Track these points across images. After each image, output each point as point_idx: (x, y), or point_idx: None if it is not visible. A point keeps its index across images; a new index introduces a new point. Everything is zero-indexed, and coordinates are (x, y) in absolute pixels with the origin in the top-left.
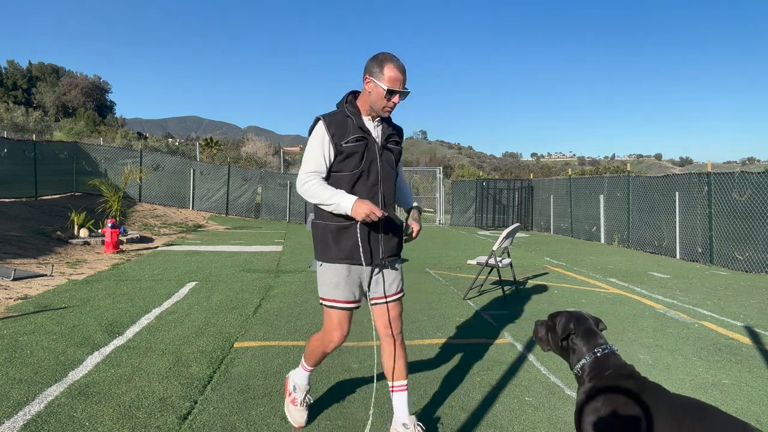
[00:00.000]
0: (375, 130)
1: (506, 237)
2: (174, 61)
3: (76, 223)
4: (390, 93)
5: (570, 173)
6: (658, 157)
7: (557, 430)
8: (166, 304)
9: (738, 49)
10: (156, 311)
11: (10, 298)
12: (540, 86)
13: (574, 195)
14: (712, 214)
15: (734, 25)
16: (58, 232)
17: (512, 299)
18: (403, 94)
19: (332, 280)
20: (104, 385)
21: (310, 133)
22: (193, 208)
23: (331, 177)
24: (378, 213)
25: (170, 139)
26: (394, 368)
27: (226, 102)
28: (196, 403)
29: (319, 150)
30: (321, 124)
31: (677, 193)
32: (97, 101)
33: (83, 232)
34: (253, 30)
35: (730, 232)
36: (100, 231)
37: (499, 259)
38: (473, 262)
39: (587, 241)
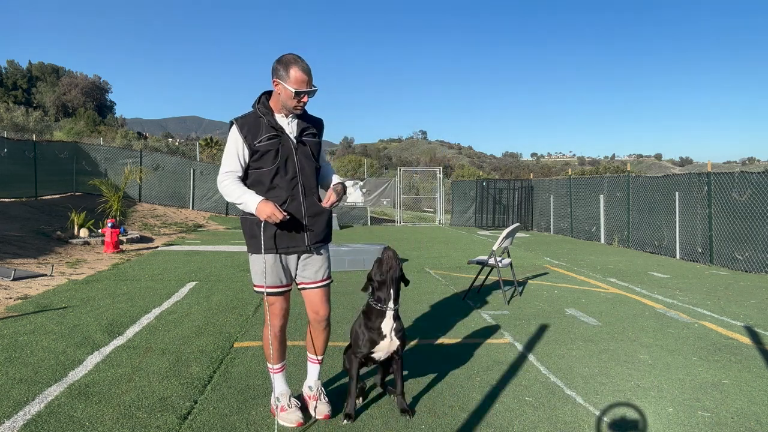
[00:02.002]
0: (289, 126)
1: (506, 237)
2: (174, 61)
3: (76, 223)
4: (298, 94)
5: (570, 173)
6: (658, 157)
7: (557, 430)
8: (166, 304)
9: (738, 49)
10: (156, 311)
11: (10, 298)
12: (540, 86)
13: (574, 195)
14: (712, 214)
15: (734, 25)
16: (58, 232)
17: (512, 299)
18: (311, 93)
19: (260, 268)
20: (104, 385)
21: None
22: (193, 208)
23: (252, 174)
24: (279, 216)
25: (170, 139)
26: (313, 345)
27: (226, 102)
28: (196, 403)
29: (233, 151)
30: (234, 128)
31: (677, 193)
32: (97, 101)
33: (83, 232)
34: (253, 29)
35: (730, 232)
36: (100, 231)
37: (499, 259)
38: (473, 261)
39: (587, 241)
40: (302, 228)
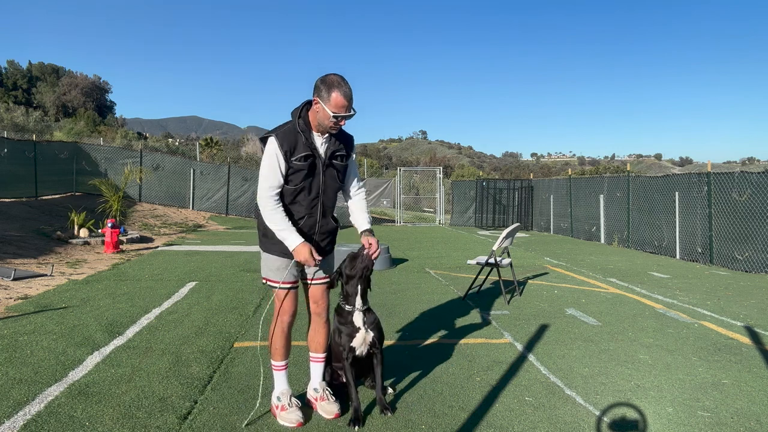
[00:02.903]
0: (322, 147)
1: (506, 237)
2: (174, 61)
3: (76, 223)
4: (335, 117)
5: (570, 173)
6: (658, 157)
7: (557, 430)
8: (166, 304)
9: (738, 49)
10: (156, 311)
11: (10, 298)
12: (540, 86)
13: (574, 195)
14: (712, 214)
15: (734, 25)
16: (58, 232)
17: (512, 299)
18: (349, 117)
19: (274, 265)
20: (104, 385)
21: (263, 143)
22: (193, 208)
23: None
24: (312, 262)
25: (170, 139)
26: (315, 341)
27: (226, 102)
28: (196, 403)
29: (275, 166)
30: (274, 142)
31: (677, 193)
32: (97, 101)
33: (83, 232)
34: (253, 29)
35: (730, 232)
36: (100, 231)
37: (499, 259)
38: (473, 262)
39: (587, 241)
40: (311, 243)
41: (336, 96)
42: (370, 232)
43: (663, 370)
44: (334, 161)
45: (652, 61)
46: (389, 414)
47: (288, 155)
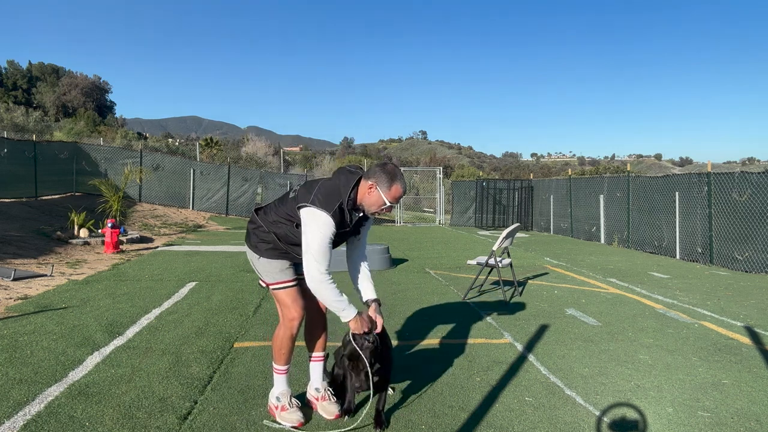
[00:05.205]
0: (355, 218)
1: (506, 237)
2: (174, 61)
3: (76, 223)
4: (389, 204)
5: (570, 173)
6: (658, 157)
7: (557, 430)
8: (166, 304)
9: (738, 49)
10: (156, 311)
11: (10, 298)
12: (540, 86)
13: (574, 195)
14: (712, 214)
15: (735, 25)
16: (58, 232)
17: (512, 299)
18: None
19: (277, 268)
20: (104, 385)
21: (310, 207)
22: (193, 208)
23: (298, 235)
24: (367, 329)
25: (170, 139)
26: (315, 340)
27: (226, 102)
28: (196, 403)
29: (329, 242)
30: (329, 220)
31: (677, 193)
32: (97, 101)
33: (83, 232)
34: (252, 30)
35: (730, 232)
36: (100, 231)
37: (499, 259)
38: (473, 262)
39: (587, 241)
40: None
41: (396, 188)
42: (377, 303)
43: (663, 370)
44: (358, 227)
45: (651, 61)
46: (380, 429)
47: (337, 227)
